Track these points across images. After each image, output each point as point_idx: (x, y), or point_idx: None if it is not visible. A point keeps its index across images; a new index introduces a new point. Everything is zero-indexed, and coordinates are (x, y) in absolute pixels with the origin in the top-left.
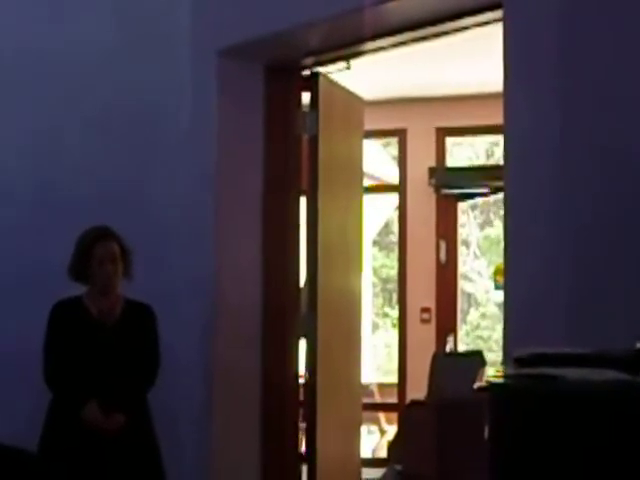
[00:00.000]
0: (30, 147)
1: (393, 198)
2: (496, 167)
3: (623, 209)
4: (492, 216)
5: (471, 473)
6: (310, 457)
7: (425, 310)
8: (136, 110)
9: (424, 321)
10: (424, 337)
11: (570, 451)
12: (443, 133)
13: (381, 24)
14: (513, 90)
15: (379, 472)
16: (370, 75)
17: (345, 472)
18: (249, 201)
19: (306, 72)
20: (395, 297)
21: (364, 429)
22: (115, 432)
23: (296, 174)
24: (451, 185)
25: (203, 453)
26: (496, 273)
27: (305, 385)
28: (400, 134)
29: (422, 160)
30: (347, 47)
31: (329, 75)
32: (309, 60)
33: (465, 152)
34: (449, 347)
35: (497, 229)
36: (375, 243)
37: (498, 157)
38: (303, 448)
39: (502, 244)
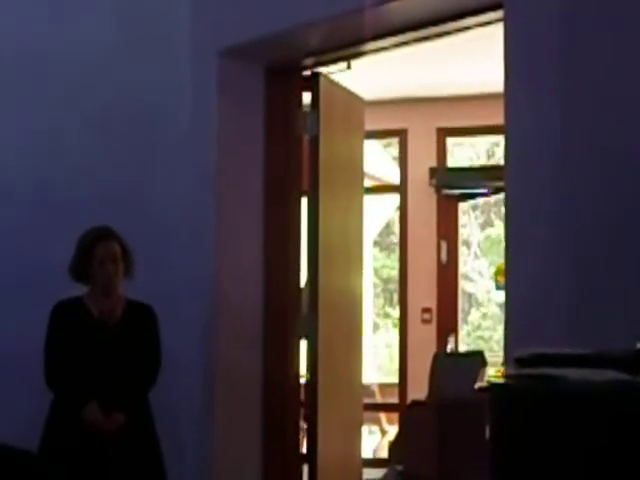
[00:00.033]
0: (30, 147)
1: (394, 198)
2: (497, 167)
3: (623, 209)
4: (493, 216)
5: (472, 473)
6: (311, 457)
7: (426, 310)
8: (136, 110)
9: (425, 321)
10: (425, 337)
11: (571, 451)
12: (444, 133)
13: (382, 24)
14: (514, 90)
15: (380, 472)
16: (371, 75)
17: (346, 472)
18: (250, 201)
19: (307, 72)
20: (396, 297)
21: (365, 429)
22: (115, 432)
23: (297, 174)
24: (452, 185)
25: (204, 453)
26: (497, 273)
27: (306, 385)
28: (401, 134)
29: (423, 160)
30: (348, 47)
31: (330, 75)
32: (309, 60)
33: (466, 152)
34: (450, 347)
35: (498, 229)
36: (376, 243)
37: (499, 157)
38: (304, 448)
39: (503, 244)
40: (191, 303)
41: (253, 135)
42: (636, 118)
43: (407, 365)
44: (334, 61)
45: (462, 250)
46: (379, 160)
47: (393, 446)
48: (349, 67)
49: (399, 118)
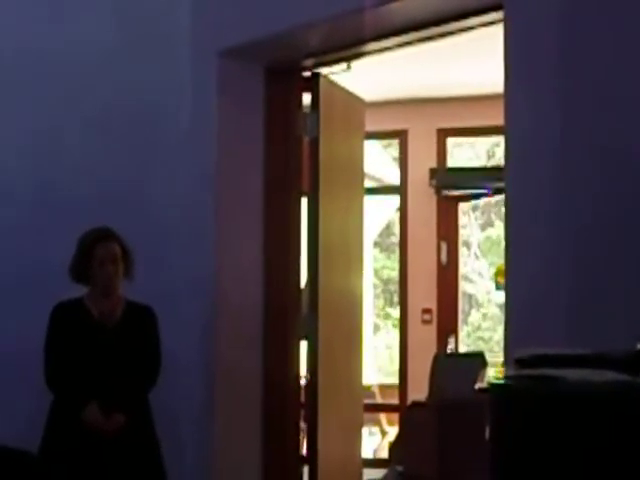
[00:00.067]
0: (30, 147)
1: (394, 199)
2: (497, 168)
3: (623, 209)
4: (493, 217)
5: (472, 474)
6: (311, 458)
7: (426, 311)
8: (136, 110)
9: (425, 322)
10: (425, 338)
11: (571, 452)
12: (444, 134)
13: (382, 25)
14: (514, 91)
15: (380, 473)
16: (371, 76)
17: (346, 473)
18: (250, 202)
19: (307, 73)
20: (396, 298)
21: (365, 430)
22: (115, 433)
23: (297, 175)
24: (452, 186)
25: (204, 454)
26: (497, 274)
27: (306, 386)
28: (401, 135)
29: (423, 161)
30: (348, 48)
31: (330, 76)
32: (310, 61)
33: (466, 153)
34: (450, 348)
35: (498, 230)
36: (376, 244)
37: (499, 158)
38: (304, 449)
39: (503, 245)
40: (191, 303)
41: (253, 135)
42: (636, 118)
43: (407, 366)
44: (334, 62)
45: (462, 251)
46: (379, 161)
47: (393, 447)
48: (349, 68)
49: (399, 119)
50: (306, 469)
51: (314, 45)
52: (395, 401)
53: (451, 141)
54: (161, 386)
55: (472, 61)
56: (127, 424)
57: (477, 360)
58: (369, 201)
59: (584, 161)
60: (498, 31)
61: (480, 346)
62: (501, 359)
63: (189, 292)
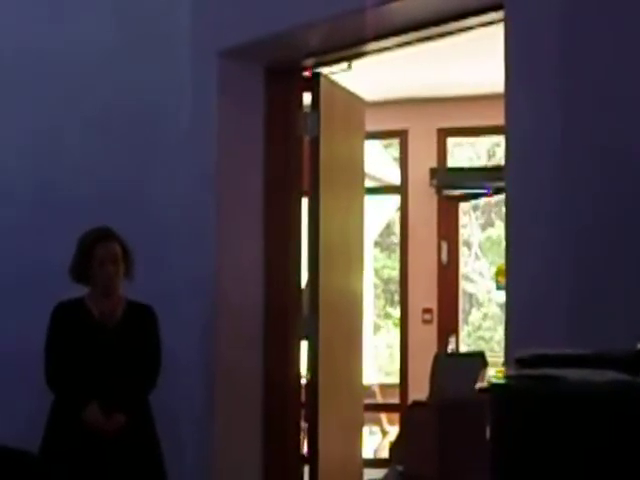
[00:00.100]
0: (30, 147)
1: (394, 199)
2: (497, 168)
3: (623, 209)
4: (493, 217)
5: (473, 474)
6: (312, 458)
7: (427, 311)
8: (136, 110)
9: (426, 322)
10: (426, 338)
11: (571, 452)
12: (444, 134)
13: (382, 25)
14: (514, 91)
15: (381, 473)
16: (371, 76)
17: (347, 473)
18: (250, 202)
19: (307, 73)
20: (397, 298)
21: (366, 430)
22: (116, 433)
23: (297, 175)
24: (452, 186)
25: (204, 453)
26: (498, 274)
27: (307, 386)
28: (401, 135)
29: (423, 161)
30: (348, 48)
31: (330, 76)
32: (310, 61)
33: (466, 153)
34: (451, 348)
35: (498, 230)
36: (377, 244)
37: (499, 158)
38: (305, 449)
39: (503, 245)
40: (191, 303)
41: (253, 135)
42: (636, 118)
43: (408, 365)
44: (335, 61)
45: (463, 250)
46: (380, 161)
47: (394, 446)
48: (350, 67)
49: (400, 119)
50: (307, 469)
51: (314, 45)
52: (396, 401)
53: (451, 141)
54: (161, 386)
55: (472, 61)
56: (127, 424)
57: (478, 360)
58: (369, 201)
59: (584, 161)
60: (498, 31)
61: (481, 346)
62: (502, 359)
63: (189, 292)
